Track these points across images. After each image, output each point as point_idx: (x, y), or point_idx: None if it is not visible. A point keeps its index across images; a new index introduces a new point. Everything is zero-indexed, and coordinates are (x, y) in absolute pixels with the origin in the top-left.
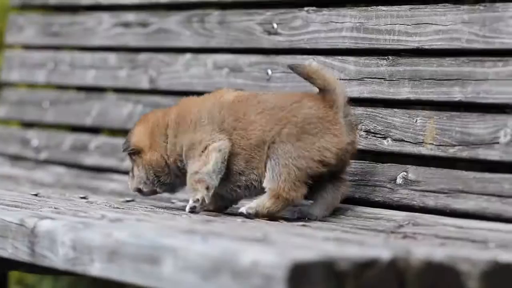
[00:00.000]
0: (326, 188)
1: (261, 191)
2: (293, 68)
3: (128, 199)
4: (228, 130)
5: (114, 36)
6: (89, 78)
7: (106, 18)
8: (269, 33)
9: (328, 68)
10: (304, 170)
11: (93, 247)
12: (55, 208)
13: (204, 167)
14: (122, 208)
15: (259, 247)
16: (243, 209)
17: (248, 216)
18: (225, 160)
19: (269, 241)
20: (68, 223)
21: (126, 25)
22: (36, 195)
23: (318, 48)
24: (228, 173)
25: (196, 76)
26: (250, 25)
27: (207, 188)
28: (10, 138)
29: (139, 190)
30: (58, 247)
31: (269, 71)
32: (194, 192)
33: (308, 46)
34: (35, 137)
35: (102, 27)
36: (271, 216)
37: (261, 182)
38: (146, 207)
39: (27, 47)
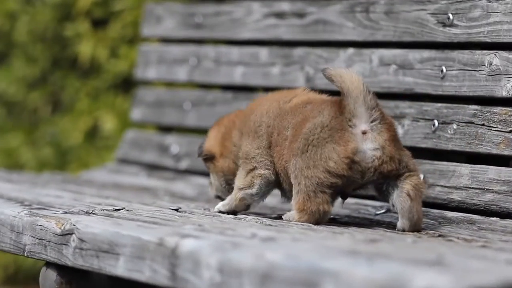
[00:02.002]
0: (392, 195)
1: None
2: (322, 71)
3: (281, 214)
4: (273, 146)
5: (265, 28)
6: (237, 75)
7: (257, 7)
8: (444, 24)
9: (351, 69)
10: (313, 180)
11: (242, 270)
12: (199, 225)
13: (248, 189)
14: (275, 226)
15: (433, 271)
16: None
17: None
18: (270, 184)
19: (444, 264)
20: (214, 243)
21: (280, 15)
22: (176, 210)
23: (500, 42)
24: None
25: (360, 73)
26: (421, 15)
27: (247, 206)
28: (147, 145)
29: (219, 198)
30: (202, 270)
31: (444, 68)
32: (231, 202)
33: (488, 40)
34: (174, 143)
35: (252, 18)
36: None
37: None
38: (303, 224)
39: (166, 40)
